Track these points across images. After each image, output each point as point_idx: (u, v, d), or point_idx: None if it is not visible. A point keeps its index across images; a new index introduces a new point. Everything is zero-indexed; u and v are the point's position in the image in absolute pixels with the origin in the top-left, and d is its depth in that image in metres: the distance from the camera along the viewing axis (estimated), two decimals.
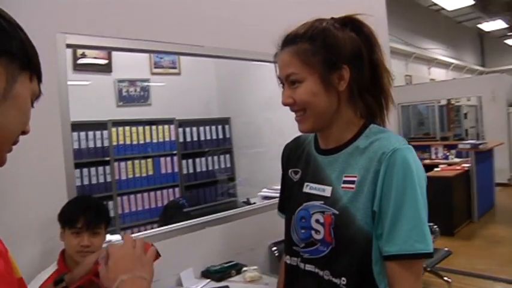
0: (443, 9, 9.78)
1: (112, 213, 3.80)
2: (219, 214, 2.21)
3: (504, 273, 4.10)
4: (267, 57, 2.31)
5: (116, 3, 1.81)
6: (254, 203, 3.30)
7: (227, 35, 2.16)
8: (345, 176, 1.01)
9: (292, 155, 1.20)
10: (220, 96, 5.00)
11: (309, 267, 1.05)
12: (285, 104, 1.03)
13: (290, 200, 1.15)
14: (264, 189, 2.97)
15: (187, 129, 4.52)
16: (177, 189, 4.40)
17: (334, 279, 1.00)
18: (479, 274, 3.97)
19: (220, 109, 4.99)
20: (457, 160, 6.65)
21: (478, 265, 4.11)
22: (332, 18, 1.04)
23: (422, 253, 0.91)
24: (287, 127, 4.18)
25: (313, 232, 1.04)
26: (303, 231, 1.07)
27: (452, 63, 12.42)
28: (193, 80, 4.71)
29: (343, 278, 0.98)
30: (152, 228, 4.09)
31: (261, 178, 4.38)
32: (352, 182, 0.99)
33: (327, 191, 1.03)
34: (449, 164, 6.36)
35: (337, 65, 0.99)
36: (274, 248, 2.31)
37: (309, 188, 1.08)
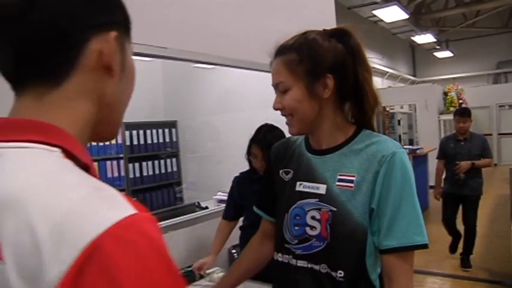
0: (381, 20, 10.24)
1: None
2: (177, 218, 2.18)
3: (441, 268, 4.53)
4: (229, 62, 2.35)
5: None
6: (206, 207, 3.28)
7: (192, 37, 2.14)
8: (340, 175, 1.07)
9: (281, 156, 1.25)
10: (167, 98, 4.92)
11: (301, 263, 1.10)
12: (275, 109, 1.11)
13: (282, 199, 1.19)
14: (219, 193, 2.97)
15: (134, 132, 4.40)
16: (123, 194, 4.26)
17: (331, 272, 1.05)
18: (419, 270, 4.23)
19: (167, 112, 4.90)
20: None
21: (417, 261, 4.31)
22: (324, 29, 1.11)
23: (420, 244, 1.01)
24: (234, 132, 4.20)
25: (307, 228, 1.09)
26: (296, 228, 1.12)
27: (387, 72, 13.02)
28: (140, 82, 4.56)
29: (339, 271, 1.04)
30: None
31: (209, 182, 4.36)
32: (350, 181, 1.05)
33: (322, 188, 1.08)
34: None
35: (320, 74, 1.06)
36: (234, 251, 2.32)
37: (302, 186, 1.13)
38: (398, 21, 9.63)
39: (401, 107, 11.25)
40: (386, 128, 10.52)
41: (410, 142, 10.53)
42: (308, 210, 1.09)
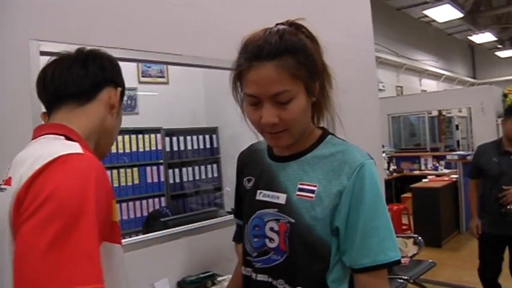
0: (434, 21, 9.87)
1: None
2: (197, 224, 2.18)
3: None
4: None
5: (92, 11, 1.80)
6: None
7: (206, 44, 2.15)
8: (301, 184, 0.99)
9: (246, 162, 1.18)
10: (208, 106, 4.98)
11: (261, 277, 1.03)
12: (267, 124, 0.94)
13: (244, 209, 1.13)
14: None
15: (174, 139, 4.49)
16: (163, 199, 4.36)
17: None
18: (464, 286, 3.96)
19: (208, 119, 4.97)
20: (446, 171, 6.66)
21: (464, 277, 4.09)
22: (282, 23, 0.98)
23: (395, 260, 0.94)
24: None
25: (267, 240, 1.02)
26: (256, 239, 1.05)
27: (443, 75, 12.51)
28: (182, 89, 4.70)
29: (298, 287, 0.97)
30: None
31: None
32: (311, 192, 0.97)
33: (282, 198, 1.01)
34: (438, 175, 6.37)
35: (316, 78, 0.98)
36: None
37: (262, 195, 1.05)
38: (453, 20, 9.23)
39: (460, 111, 10.73)
40: (443, 133, 10.08)
41: (469, 148, 10.00)
42: (267, 221, 1.02)
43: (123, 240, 1.94)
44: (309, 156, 1.02)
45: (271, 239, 1.01)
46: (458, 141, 10.73)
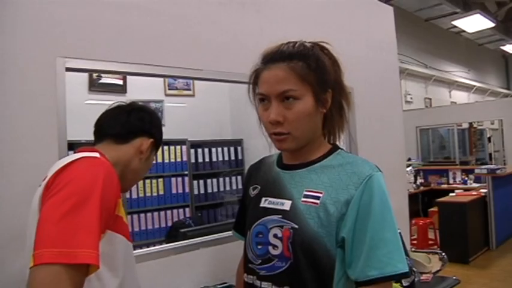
0: (463, 31, 9.69)
1: None
2: (214, 235, 2.20)
3: None
4: None
5: (117, 28, 1.87)
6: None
7: (226, 59, 2.20)
8: (307, 191, 1.01)
9: (254, 173, 1.21)
10: (234, 118, 5.04)
11: (265, 284, 1.04)
12: (272, 122, 1.00)
13: (247, 217, 1.15)
14: None
15: (199, 150, 4.56)
16: (187, 209, 4.42)
17: None
18: None
19: (233, 131, 5.03)
20: (475, 185, 6.49)
21: None
22: (310, 42, 1.07)
23: (403, 272, 0.94)
24: None
25: (270, 248, 1.02)
26: (259, 247, 1.05)
27: (474, 86, 12.22)
28: (207, 102, 4.77)
29: None
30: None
31: None
32: (316, 198, 0.99)
33: (286, 204, 1.02)
34: (466, 189, 6.20)
35: (326, 87, 1.02)
36: None
37: (267, 202, 1.07)
38: (484, 30, 9.05)
39: (492, 123, 10.46)
40: (475, 146, 9.84)
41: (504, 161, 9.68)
42: (270, 228, 1.03)
43: (140, 250, 2.00)
44: (317, 166, 1.05)
45: (274, 246, 1.01)
46: (490, 154, 10.44)
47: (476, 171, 5.85)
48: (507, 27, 10.41)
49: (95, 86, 4.21)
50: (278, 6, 2.51)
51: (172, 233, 3.38)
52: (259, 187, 1.14)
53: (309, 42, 1.06)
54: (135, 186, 4.06)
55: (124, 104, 1.27)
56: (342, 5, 2.91)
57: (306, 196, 1.00)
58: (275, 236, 1.02)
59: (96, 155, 1.06)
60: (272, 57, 1.02)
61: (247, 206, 1.18)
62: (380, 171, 1.00)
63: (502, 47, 11.32)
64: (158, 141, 1.28)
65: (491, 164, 8.65)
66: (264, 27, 2.39)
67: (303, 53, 1.01)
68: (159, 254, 1.98)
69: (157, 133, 1.28)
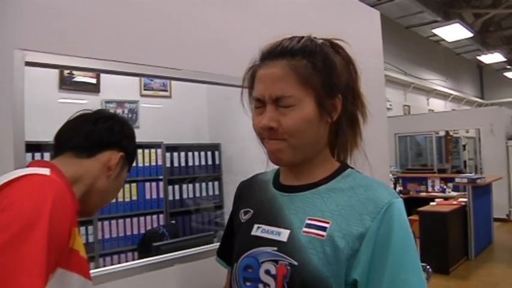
0: (443, 40, 9.78)
1: (91, 239, 3.63)
2: (191, 250, 2.03)
3: None
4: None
5: (86, 21, 1.68)
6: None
7: (208, 58, 2.03)
8: (310, 219, 0.83)
9: (245, 193, 1.02)
10: (212, 121, 4.89)
11: None
12: (264, 127, 0.83)
13: (235, 245, 0.96)
14: None
15: (175, 154, 4.38)
16: (161, 216, 4.22)
17: None
18: None
19: (211, 135, 4.87)
20: (454, 194, 6.49)
21: None
22: (321, 38, 0.90)
23: None
24: None
25: (260, 286, 0.84)
26: (247, 283, 0.86)
27: (451, 94, 12.38)
28: (184, 103, 4.61)
29: None
30: (133, 256, 3.96)
31: None
32: (322, 229, 0.80)
33: (283, 234, 0.84)
34: (446, 198, 6.19)
35: (336, 91, 0.85)
36: None
37: (260, 230, 0.88)
38: (462, 40, 9.15)
39: (467, 131, 10.61)
40: (450, 154, 9.94)
41: (476, 169, 9.85)
42: (262, 262, 0.84)
43: (110, 267, 1.80)
44: (322, 188, 0.87)
45: (266, 285, 0.83)
46: (465, 162, 10.59)
47: (457, 180, 5.82)
48: (483, 38, 10.59)
49: (66, 84, 3.96)
50: (263, 4, 2.37)
51: (145, 243, 3.18)
52: (251, 211, 0.95)
53: (320, 38, 0.89)
54: None
55: (89, 111, 1.07)
56: (329, 5, 2.79)
57: (309, 226, 0.82)
58: (267, 272, 0.83)
59: (46, 171, 0.85)
60: (271, 53, 0.86)
61: (236, 232, 0.99)
62: (399, 197, 0.82)
63: (478, 57, 11.47)
64: (131, 155, 1.08)
65: (466, 172, 8.75)
66: (248, 26, 2.24)
67: (308, 50, 0.84)
68: (129, 272, 1.79)
69: (129, 145, 1.07)
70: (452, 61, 12.83)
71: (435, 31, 8.05)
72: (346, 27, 2.88)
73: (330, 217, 0.81)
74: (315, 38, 0.88)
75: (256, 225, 0.90)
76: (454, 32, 8.03)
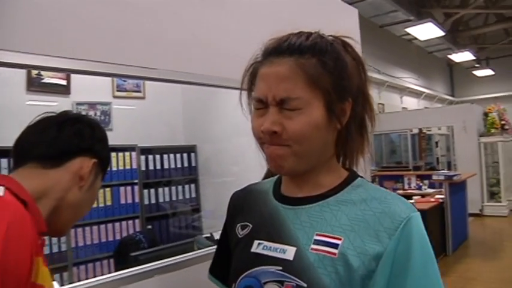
0: (415, 39, 9.90)
1: (64, 247, 3.47)
2: (172, 259, 1.93)
3: None
4: (230, 83, 2.13)
5: (51, 16, 1.56)
6: (218, 239, 3.03)
7: (185, 57, 1.94)
8: (318, 235, 0.74)
9: (241, 205, 0.93)
10: (187, 122, 4.79)
11: None
12: (266, 131, 0.75)
13: (233, 263, 0.87)
14: None
15: (150, 157, 4.25)
16: (137, 221, 4.09)
17: None
18: None
19: (186, 136, 4.76)
20: (430, 191, 6.57)
21: None
22: (330, 35, 0.81)
23: None
24: (254, 156, 4.03)
25: None
26: None
27: (423, 93, 12.56)
28: (159, 105, 4.49)
29: None
30: (109, 264, 3.82)
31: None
32: (333, 246, 0.72)
33: (289, 252, 0.75)
34: (423, 195, 6.26)
35: (345, 95, 0.76)
36: None
37: (261, 247, 0.79)
38: (434, 39, 9.28)
39: (439, 128, 10.78)
40: (423, 151, 10.08)
41: (449, 165, 10.03)
42: (265, 283, 0.75)
43: (85, 282, 1.69)
44: (331, 200, 0.78)
45: None
46: (437, 159, 10.77)
47: (434, 177, 5.88)
48: (453, 37, 10.77)
49: (35, 85, 3.79)
50: (242, 2, 2.29)
51: (121, 252, 3.05)
52: (250, 226, 0.86)
53: (330, 35, 0.80)
54: None
55: (53, 114, 0.93)
56: (308, 3, 2.74)
57: (318, 242, 0.74)
58: None
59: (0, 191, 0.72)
60: (276, 49, 0.77)
61: (232, 248, 0.89)
62: (417, 210, 0.75)
63: (449, 56, 11.68)
64: (104, 161, 0.96)
65: (439, 168, 8.89)
66: (227, 24, 2.15)
67: (318, 48, 0.75)
68: (106, 286, 1.68)
69: (102, 150, 0.95)
70: (424, 59, 13.03)
71: (408, 30, 8.12)
72: (325, 25, 2.84)
73: (341, 232, 0.73)
74: (323, 34, 0.80)
75: (256, 241, 0.81)
76: (426, 31, 8.11)
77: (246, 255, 0.82)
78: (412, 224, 0.71)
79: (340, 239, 0.72)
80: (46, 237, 0.86)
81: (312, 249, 0.73)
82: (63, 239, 3.49)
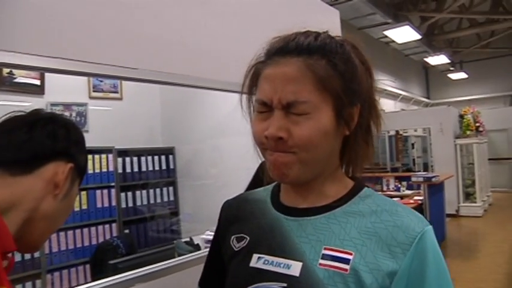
0: (392, 41, 10.00)
1: (37, 254, 3.34)
2: (152, 267, 1.85)
3: None
4: (211, 84, 2.07)
5: (24, 11, 1.47)
6: (197, 244, 2.97)
7: (166, 56, 1.86)
8: (327, 249, 0.69)
9: (234, 215, 0.86)
10: (165, 124, 4.71)
11: None
12: (270, 137, 0.69)
13: (228, 279, 0.80)
14: (207, 232, 2.64)
15: (127, 159, 4.15)
16: (114, 225, 3.99)
17: None
18: None
19: (164, 138, 4.67)
20: (408, 192, 6.63)
21: None
22: (338, 36, 0.77)
23: None
24: (234, 158, 3.95)
25: None
26: None
27: (400, 95, 12.70)
28: (136, 106, 4.41)
29: None
30: (85, 270, 3.69)
31: (207, 213, 4.07)
32: (343, 261, 0.67)
33: (295, 267, 0.69)
34: (402, 197, 6.31)
35: (355, 100, 0.71)
36: None
37: (262, 261, 0.73)
38: (411, 42, 9.39)
39: (415, 130, 10.93)
40: (400, 152, 10.20)
41: (425, 166, 10.17)
42: None
43: None
44: (338, 212, 0.73)
45: None
46: (414, 160, 10.91)
47: (413, 179, 5.94)
48: (429, 40, 10.93)
49: (6, 85, 3.64)
50: (223, 2, 2.23)
51: (98, 258, 2.94)
52: (247, 238, 0.79)
53: (337, 36, 0.75)
54: None
55: (22, 113, 0.82)
56: (289, 2, 2.70)
57: (326, 257, 0.68)
58: None
59: None
60: (283, 49, 0.71)
61: (226, 261, 0.83)
62: (429, 223, 0.70)
63: (425, 59, 11.85)
64: (82, 166, 0.86)
65: (415, 170, 9.01)
66: (209, 24, 2.09)
67: (328, 48, 0.70)
68: None
69: (78, 153, 0.84)
70: (401, 62, 13.20)
71: (386, 33, 8.17)
72: (307, 25, 2.81)
73: (352, 247, 0.68)
74: (332, 35, 0.75)
75: (256, 255, 0.75)
76: (403, 34, 8.19)
77: (244, 270, 0.75)
78: (426, 239, 0.67)
79: (351, 254, 0.67)
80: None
81: (321, 264, 0.68)
82: None
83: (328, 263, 0.67)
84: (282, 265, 0.71)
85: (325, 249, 0.69)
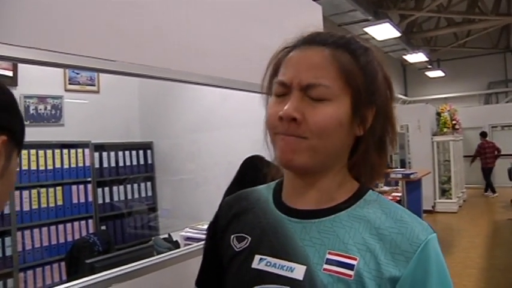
0: (372, 38, 10.07)
1: (9, 252, 3.23)
2: (130, 266, 1.79)
3: None
4: (191, 78, 2.02)
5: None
6: (176, 241, 2.92)
7: (146, 50, 1.80)
8: (331, 253, 0.67)
9: (234, 214, 0.83)
10: (143, 118, 4.62)
11: None
12: (285, 116, 0.67)
13: (227, 280, 0.78)
14: (187, 229, 2.59)
15: (104, 154, 4.06)
16: (90, 221, 3.90)
17: None
18: None
19: (142, 132, 4.59)
20: (386, 189, 6.68)
21: None
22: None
23: None
24: (214, 153, 3.90)
25: None
26: None
27: None
28: (114, 99, 4.32)
29: None
30: (60, 268, 3.59)
31: (186, 209, 4.02)
32: (348, 266, 0.65)
33: (298, 271, 0.67)
34: (380, 193, 6.36)
35: (372, 100, 0.71)
36: None
37: (264, 263, 0.71)
38: (390, 39, 9.47)
39: None
40: None
41: (402, 163, 10.30)
42: None
43: None
44: (343, 215, 0.71)
45: None
46: (391, 156, 11.02)
47: (392, 175, 6.00)
48: (408, 38, 11.05)
49: None
50: None
51: (74, 256, 2.86)
52: (248, 238, 0.77)
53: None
54: (25, 195, 3.45)
55: None
56: None
57: (330, 262, 0.66)
58: None
59: None
60: (310, 40, 0.72)
61: (226, 261, 0.80)
62: (433, 231, 0.69)
63: (404, 56, 11.99)
64: (18, 136, 0.68)
65: (392, 166, 9.09)
66: (191, 17, 2.03)
67: (352, 47, 0.71)
68: None
69: (14, 122, 0.67)
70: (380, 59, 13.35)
71: (366, 29, 8.22)
72: (289, 20, 2.78)
73: (356, 252, 0.66)
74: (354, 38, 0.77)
75: (258, 256, 0.73)
76: (383, 31, 8.25)
77: (245, 271, 0.73)
78: (429, 247, 0.65)
79: (355, 259, 0.65)
80: None
81: (325, 269, 0.66)
82: (7, 242, 3.24)
83: (333, 268, 0.66)
84: (284, 267, 0.69)
85: (329, 253, 0.67)
